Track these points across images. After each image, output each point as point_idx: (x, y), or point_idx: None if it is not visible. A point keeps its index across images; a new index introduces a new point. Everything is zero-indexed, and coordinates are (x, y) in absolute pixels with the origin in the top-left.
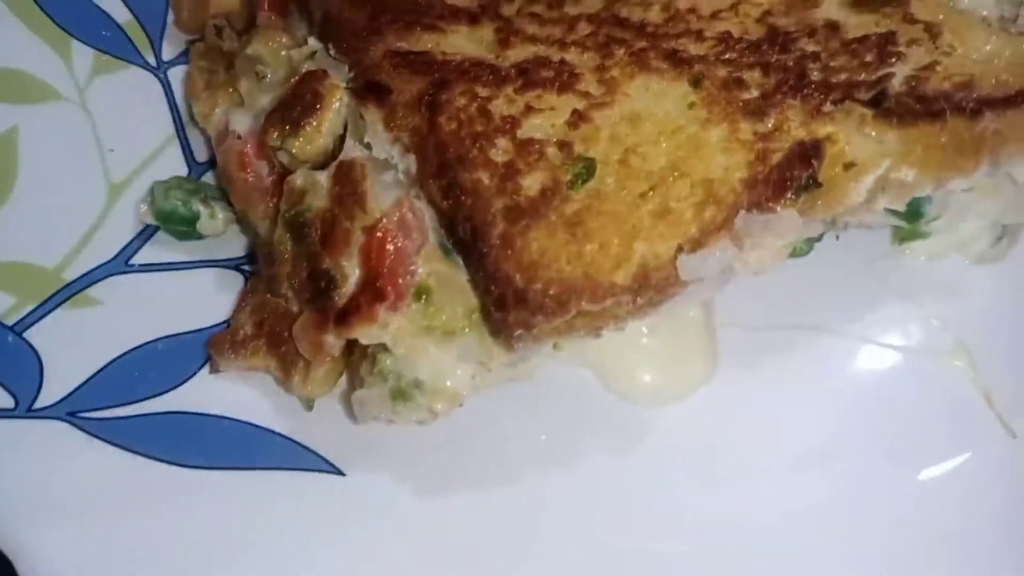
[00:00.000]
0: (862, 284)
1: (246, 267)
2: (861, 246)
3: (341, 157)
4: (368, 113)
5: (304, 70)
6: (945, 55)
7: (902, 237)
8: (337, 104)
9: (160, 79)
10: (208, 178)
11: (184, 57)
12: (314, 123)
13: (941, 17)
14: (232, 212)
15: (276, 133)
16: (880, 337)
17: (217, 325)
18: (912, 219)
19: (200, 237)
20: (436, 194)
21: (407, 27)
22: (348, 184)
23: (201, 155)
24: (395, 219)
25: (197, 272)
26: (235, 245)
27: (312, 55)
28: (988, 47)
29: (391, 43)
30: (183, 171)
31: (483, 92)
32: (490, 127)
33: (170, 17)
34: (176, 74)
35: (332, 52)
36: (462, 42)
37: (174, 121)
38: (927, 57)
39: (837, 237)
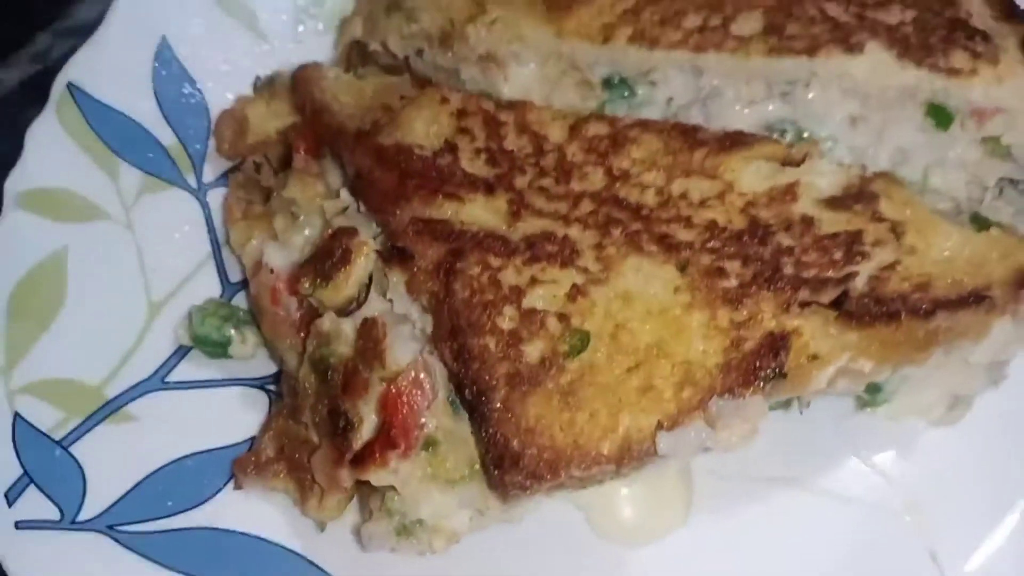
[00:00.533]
0: (829, 441)
1: (271, 387)
2: (829, 405)
3: (365, 312)
4: (392, 274)
5: (336, 224)
6: (908, 254)
7: (863, 404)
8: (364, 260)
9: (200, 200)
10: (240, 298)
11: (223, 180)
12: (342, 276)
13: (908, 213)
14: (261, 337)
15: (308, 283)
16: (841, 491)
17: (242, 443)
18: (872, 393)
19: (230, 357)
20: (447, 356)
21: (431, 194)
22: (370, 340)
23: (235, 275)
24: (410, 377)
25: (226, 390)
26: (262, 365)
27: (344, 210)
28: (949, 244)
29: (416, 209)
30: (217, 290)
31: (494, 262)
32: (498, 296)
33: (211, 142)
34: (215, 196)
35: (362, 209)
36: (479, 211)
37: (211, 242)
38: (890, 256)
39: (800, 412)
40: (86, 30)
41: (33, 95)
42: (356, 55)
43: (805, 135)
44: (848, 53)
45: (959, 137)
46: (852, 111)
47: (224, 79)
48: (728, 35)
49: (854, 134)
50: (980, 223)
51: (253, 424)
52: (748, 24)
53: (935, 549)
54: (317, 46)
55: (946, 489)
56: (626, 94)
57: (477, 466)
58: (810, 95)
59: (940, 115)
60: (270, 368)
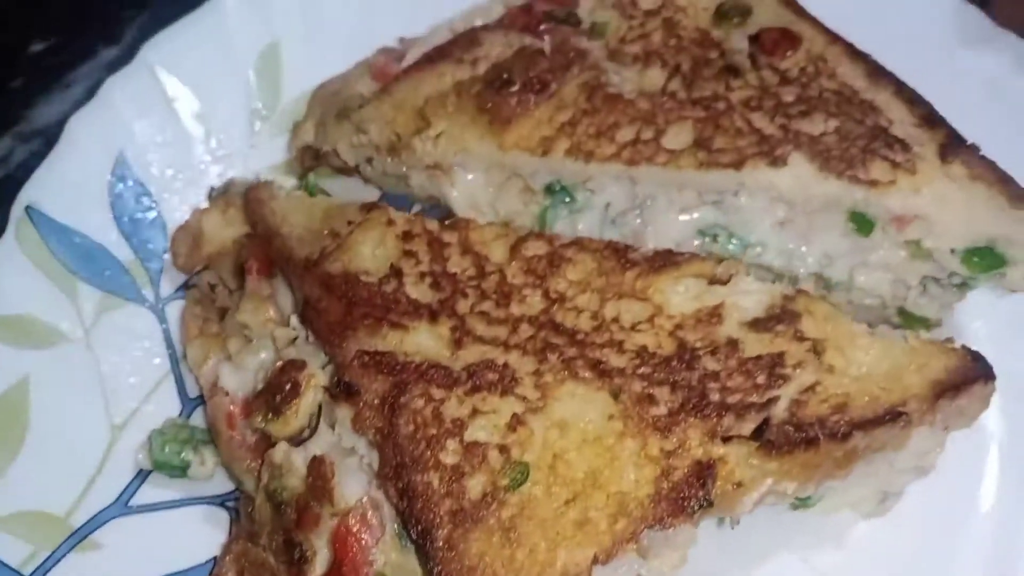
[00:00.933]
0: (765, 538)
1: (230, 503)
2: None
3: (315, 444)
4: (339, 409)
5: (286, 355)
6: (827, 373)
7: (795, 506)
8: (312, 392)
9: (158, 315)
10: (199, 414)
11: (181, 292)
12: (292, 410)
13: (829, 329)
14: (219, 457)
15: (259, 416)
16: None
17: (205, 563)
18: (801, 499)
19: (190, 479)
20: (393, 494)
21: (377, 323)
22: (319, 477)
23: (193, 390)
24: (359, 515)
25: (187, 509)
26: (220, 483)
27: (293, 340)
28: (868, 358)
29: (362, 340)
30: (177, 407)
31: (437, 394)
32: (441, 429)
33: (167, 256)
34: (173, 308)
35: (311, 339)
36: (423, 339)
37: (170, 357)
38: (811, 377)
39: (732, 528)
40: (45, 132)
41: None
42: (309, 157)
43: (735, 240)
44: (772, 166)
45: (881, 241)
46: (780, 216)
47: (180, 189)
48: (660, 148)
49: (782, 238)
50: (906, 317)
51: (215, 543)
52: (679, 137)
53: None
54: (270, 149)
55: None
56: (567, 200)
57: None
58: (740, 202)
59: (862, 222)
60: (229, 485)
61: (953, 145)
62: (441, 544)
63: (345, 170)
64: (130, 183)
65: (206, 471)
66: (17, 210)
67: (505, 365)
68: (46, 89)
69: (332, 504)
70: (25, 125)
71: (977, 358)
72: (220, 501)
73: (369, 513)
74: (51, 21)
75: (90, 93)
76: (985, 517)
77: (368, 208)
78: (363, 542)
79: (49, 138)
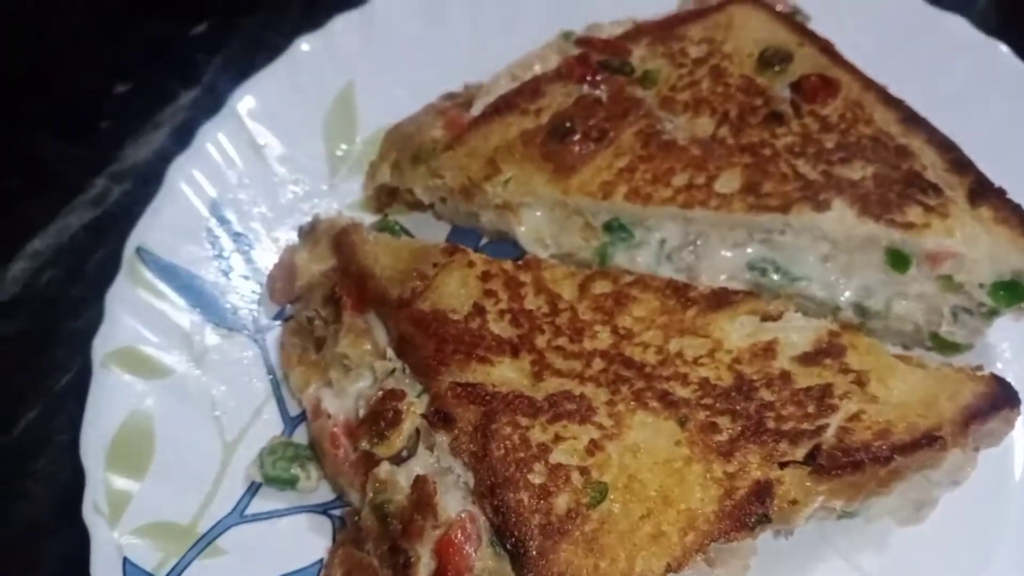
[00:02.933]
0: (815, 544)
1: (334, 512)
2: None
3: (415, 463)
4: (437, 435)
5: (386, 386)
6: (870, 403)
7: (839, 516)
8: (412, 419)
9: (259, 344)
10: (301, 431)
11: (276, 321)
12: (394, 434)
13: (871, 361)
14: (322, 471)
15: (365, 441)
16: None
17: (312, 565)
18: (845, 512)
19: (298, 491)
20: (488, 510)
21: (465, 357)
22: (423, 495)
23: (293, 410)
24: (460, 528)
25: (294, 517)
26: (322, 493)
27: (391, 371)
28: (905, 387)
29: (454, 372)
30: (279, 426)
31: (523, 422)
32: (528, 453)
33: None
34: (271, 337)
35: (407, 371)
36: (507, 371)
37: (271, 381)
38: (856, 406)
39: (786, 538)
40: (136, 172)
41: (96, 238)
42: (385, 195)
43: (782, 274)
44: (817, 210)
45: (916, 276)
46: (823, 252)
47: (271, 227)
48: (712, 193)
49: (825, 272)
50: (938, 342)
51: (321, 546)
52: (729, 183)
53: None
54: (349, 187)
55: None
56: (624, 237)
57: None
58: (786, 240)
59: (898, 259)
60: (330, 495)
61: (981, 189)
62: (534, 554)
63: (418, 206)
64: (226, 223)
65: (311, 484)
66: (128, 251)
67: (582, 396)
68: (133, 131)
69: (435, 517)
70: (118, 165)
71: (1004, 385)
72: (323, 509)
73: (468, 526)
74: (131, 64)
75: (175, 133)
76: (1012, 523)
77: (450, 251)
78: (464, 551)
79: (142, 177)
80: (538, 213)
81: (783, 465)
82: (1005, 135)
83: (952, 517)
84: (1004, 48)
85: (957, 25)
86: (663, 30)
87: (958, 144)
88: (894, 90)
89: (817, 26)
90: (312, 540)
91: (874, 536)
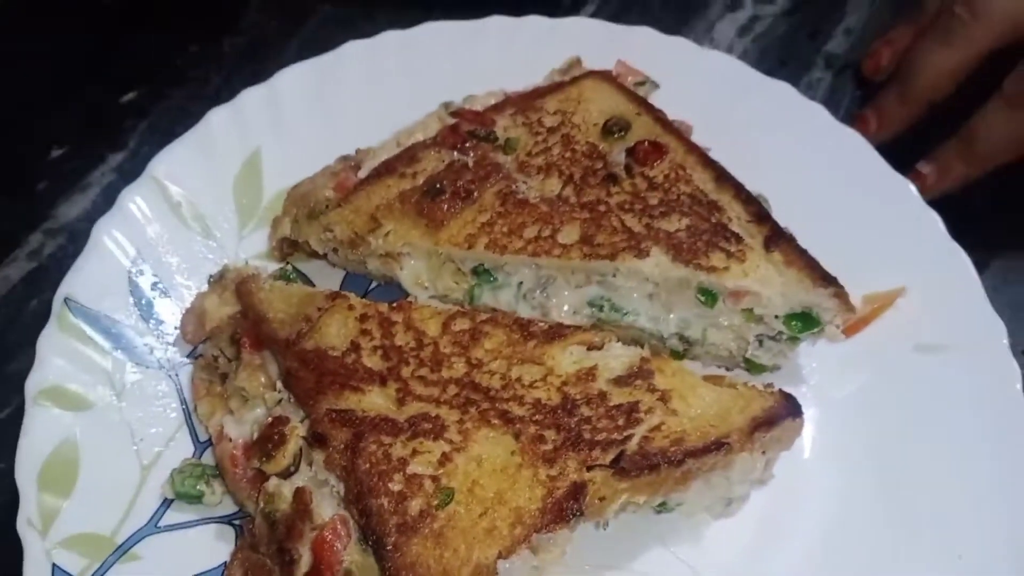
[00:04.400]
0: (641, 535)
1: (236, 521)
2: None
3: (298, 478)
4: (315, 453)
5: (275, 413)
6: (670, 415)
7: (659, 511)
8: (295, 441)
9: (172, 379)
10: (208, 455)
11: (188, 359)
12: (280, 454)
13: (676, 381)
14: (225, 487)
15: (256, 459)
16: (649, 572)
17: (217, 567)
18: (661, 507)
19: (204, 504)
20: (355, 514)
21: (340, 388)
22: (302, 503)
23: (203, 435)
24: (332, 528)
25: (202, 527)
26: (227, 507)
27: (279, 401)
28: (703, 403)
29: (330, 400)
30: (190, 449)
31: (386, 440)
32: (389, 466)
33: (177, 331)
34: (184, 373)
35: (291, 400)
36: (375, 399)
37: (183, 412)
38: (658, 419)
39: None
40: (68, 228)
41: (31, 289)
42: (287, 245)
43: (616, 310)
44: (638, 257)
45: (724, 309)
46: (648, 291)
47: (185, 276)
48: (556, 243)
49: (651, 307)
50: (750, 364)
51: (224, 552)
52: (569, 235)
53: None
54: (256, 240)
55: (725, 563)
56: (490, 279)
57: None
58: (617, 282)
59: (708, 296)
60: (233, 508)
61: (774, 237)
62: (390, 548)
63: (316, 255)
64: (145, 274)
65: (216, 498)
66: (57, 302)
67: (437, 417)
68: (66, 191)
69: (312, 521)
70: (52, 223)
71: (789, 399)
72: (228, 520)
73: (338, 527)
74: (65, 131)
75: (104, 193)
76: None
77: (333, 296)
78: (335, 548)
79: (72, 233)
80: (415, 261)
81: (594, 468)
82: (808, 189)
83: (755, 505)
84: (821, 109)
85: (782, 90)
86: (525, 101)
87: (767, 197)
88: (721, 147)
89: (663, 92)
90: (218, 546)
91: (691, 529)
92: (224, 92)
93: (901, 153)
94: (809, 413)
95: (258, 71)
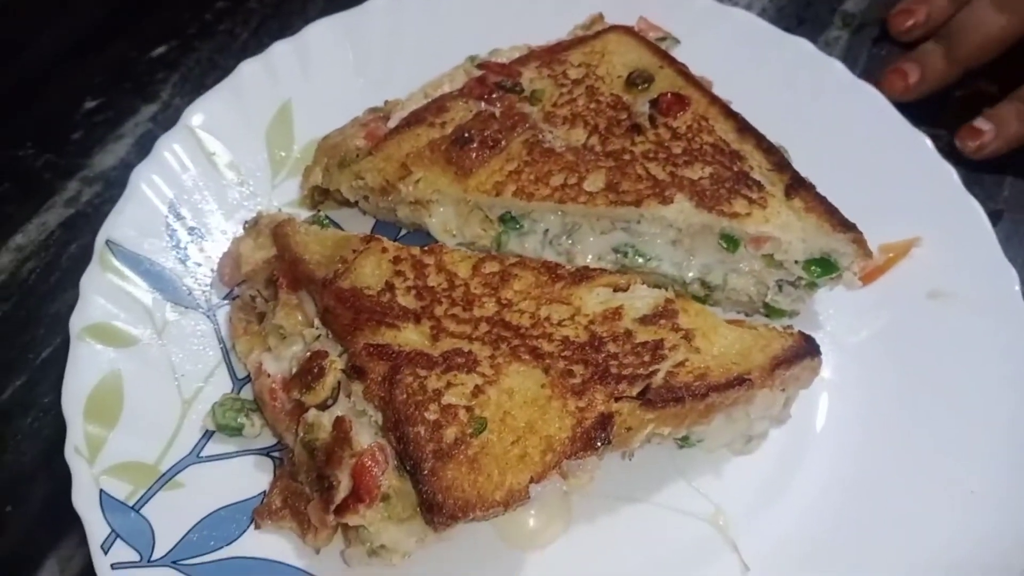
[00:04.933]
0: (663, 469)
1: (275, 453)
2: (663, 446)
3: (336, 408)
4: (354, 385)
5: (313, 347)
6: (694, 353)
7: (682, 445)
8: (333, 374)
9: (211, 318)
10: (247, 390)
11: (225, 300)
12: (319, 386)
13: (699, 321)
14: (264, 421)
15: (296, 391)
16: (671, 504)
17: (257, 496)
18: (684, 440)
19: (244, 436)
20: (393, 441)
21: (377, 324)
22: (341, 431)
23: (240, 372)
24: (370, 454)
25: (242, 458)
26: (266, 439)
27: (317, 337)
28: (725, 342)
29: (367, 336)
30: (229, 385)
31: (422, 373)
32: (425, 397)
33: (214, 273)
34: (221, 313)
35: (330, 336)
36: (410, 335)
37: (221, 350)
38: (682, 356)
39: (630, 459)
40: (105, 176)
41: (69, 234)
42: (318, 194)
43: (639, 256)
44: (662, 204)
45: (745, 255)
46: (671, 237)
47: (221, 222)
48: (581, 191)
49: (674, 253)
50: (769, 309)
51: (263, 481)
52: (595, 182)
53: (736, 542)
54: (288, 188)
55: (744, 498)
56: (516, 226)
57: (417, 510)
58: (641, 228)
59: (729, 241)
60: (271, 440)
61: (795, 185)
62: (427, 473)
63: (346, 203)
64: (182, 219)
65: (255, 431)
66: (99, 243)
67: (470, 352)
68: (101, 140)
69: (351, 448)
70: (88, 171)
71: (808, 339)
72: (266, 452)
73: (376, 453)
74: (97, 84)
75: (138, 143)
76: (817, 445)
77: (367, 240)
78: (374, 472)
79: (108, 181)
80: (444, 208)
81: (619, 399)
82: (826, 142)
83: (773, 444)
84: (839, 65)
85: (801, 46)
86: (549, 55)
87: (787, 149)
88: (741, 102)
89: (684, 48)
90: (257, 476)
91: (713, 464)
92: (252, 46)
93: (914, 109)
94: (826, 357)
95: (284, 25)
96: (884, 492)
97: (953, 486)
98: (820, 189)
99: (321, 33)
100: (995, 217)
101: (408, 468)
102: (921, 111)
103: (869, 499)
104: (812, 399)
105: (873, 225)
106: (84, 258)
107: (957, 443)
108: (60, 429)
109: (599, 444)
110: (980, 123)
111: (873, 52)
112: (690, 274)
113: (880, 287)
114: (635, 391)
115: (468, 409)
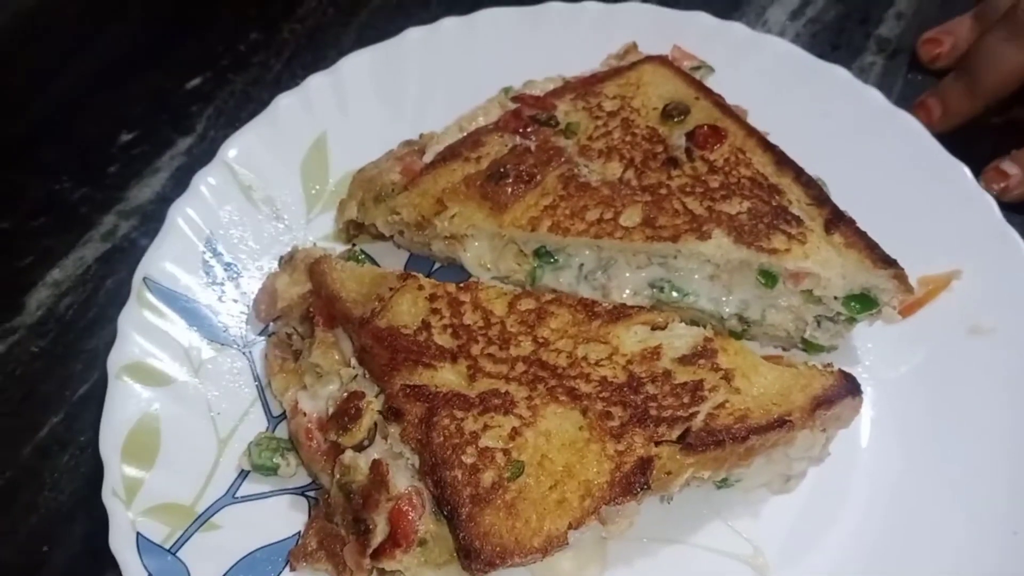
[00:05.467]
0: (701, 509)
1: (309, 493)
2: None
3: (373, 450)
4: (391, 427)
5: (350, 388)
6: (733, 394)
7: (719, 485)
8: (370, 415)
9: (246, 355)
10: (282, 427)
11: (261, 337)
12: (356, 428)
13: (738, 361)
14: (300, 460)
15: (332, 432)
16: (709, 545)
17: (292, 537)
18: (722, 481)
19: (279, 476)
20: (430, 485)
21: (414, 364)
22: (378, 474)
23: (276, 410)
24: (407, 498)
25: (277, 498)
26: (301, 478)
27: (354, 377)
28: (765, 382)
29: (404, 376)
30: (264, 423)
31: (459, 415)
32: (462, 440)
33: (250, 309)
34: (257, 350)
35: (367, 376)
36: (447, 376)
37: (257, 388)
38: (722, 397)
39: (669, 503)
40: (140, 211)
41: (106, 268)
42: (353, 228)
43: (676, 291)
44: (700, 239)
45: (783, 291)
46: (708, 272)
47: (256, 257)
48: (617, 226)
49: (711, 288)
50: (807, 344)
51: (298, 522)
52: (631, 217)
53: None
54: (323, 222)
55: (782, 538)
56: (551, 261)
57: (455, 554)
58: (678, 263)
59: (768, 277)
60: (307, 480)
61: (834, 220)
62: (464, 518)
63: (381, 237)
64: (218, 255)
65: (290, 470)
66: (136, 280)
67: (507, 393)
68: (137, 174)
69: (388, 492)
70: (124, 205)
71: (848, 378)
72: (301, 491)
73: (414, 497)
74: (133, 116)
75: (174, 176)
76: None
77: (404, 277)
78: (411, 517)
79: (144, 215)
80: (479, 243)
81: (661, 444)
82: (864, 172)
83: (811, 482)
84: (876, 93)
85: (837, 74)
86: (585, 86)
87: (825, 181)
88: (777, 132)
89: (718, 77)
90: (292, 516)
91: (750, 504)
92: (285, 77)
93: (952, 138)
94: (865, 392)
95: (317, 57)
96: (924, 532)
97: (996, 527)
98: (857, 219)
99: (356, 65)
100: None
101: (445, 513)
102: (959, 139)
103: (908, 538)
104: (851, 436)
105: (912, 257)
106: (121, 293)
107: (999, 483)
108: (98, 467)
109: (638, 489)
110: (1007, 166)
111: (909, 78)
112: (727, 310)
113: (919, 321)
114: (675, 434)
115: (505, 452)
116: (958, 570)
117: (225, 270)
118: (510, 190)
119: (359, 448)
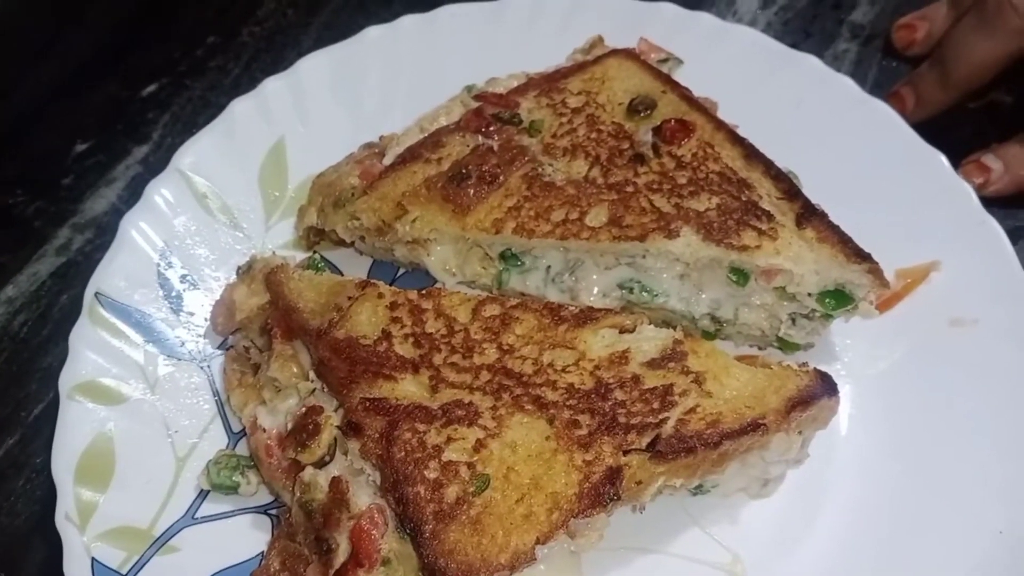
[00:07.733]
0: (677, 516)
1: (273, 511)
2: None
3: (333, 467)
4: (350, 441)
5: (308, 402)
6: (705, 397)
7: (695, 492)
8: (329, 430)
9: (204, 370)
10: (243, 444)
11: (219, 351)
12: (315, 444)
13: (709, 363)
14: (260, 477)
15: (291, 449)
16: (686, 554)
17: (254, 558)
18: (697, 489)
19: (240, 495)
20: (392, 502)
21: (373, 376)
22: (338, 492)
23: (236, 426)
24: (369, 516)
25: (238, 517)
26: (263, 496)
27: (312, 391)
28: (738, 384)
29: (363, 389)
30: (224, 440)
31: (420, 428)
32: (424, 454)
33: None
34: (215, 364)
35: (325, 389)
36: (408, 386)
37: (216, 403)
38: (693, 401)
39: (641, 512)
40: (95, 223)
41: (61, 284)
42: (313, 234)
43: (646, 291)
44: (668, 238)
45: (756, 288)
46: (678, 271)
47: (213, 268)
48: (583, 226)
49: (681, 288)
50: (783, 343)
51: (261, 542)
52: (597, 217)
53: None
54: (282, 230)
55: (762, 544)
56: (517, 264)
57: (420, 574)
58: (647, 263)
59: (739, 275)
60: (268, 498)
61: (806, 214)
62: (428, 536)
63: (342, 243)
64: (174, 267)
65: (251, 488)
66: (88, 296)
67: (470, 403)
68: (92, 185)
69: (348, 510)
70: (79, 217)
71: (824, 378)
72: (263, 510)
73: (375, 515)
74: (88, 125)
75: (129, 186)
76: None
77: (363, 285)
78: (373, 536)
79: (100, 227)
80: (442, 247)
81: (630, 452)
82: (839, 164)
83: (790, 485)
84: (848, 82)
85: (809, 63)
86: (548, 83)
87: (797, 174)
88: (748, 124)
89: (687, 69)
90: (255, 536)
91: (728, 510)
92: (244, 81)
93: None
94: (844, 390)
95: (277, 60)
96: (906, 533)
97: (980, 526)
98: (831, 211)
99: (313, 67)
100: (1016, 236)
101: (408, 531)
102: (936, 126)
103: (890, 540)
104: (831, 435)
105: (888, 249)
106: (76, 309)
107: (984, 482)
108: (54, 490)
109: (608, 500)
110: (989, 160)
111: (884, 64)
112: (699, 309)
113: (898, 315)
114: (644, 442)
115: (470, 466)
116: (942, 571)
117: (181, 282)
118: (472, 192)
119: (320, 465)
